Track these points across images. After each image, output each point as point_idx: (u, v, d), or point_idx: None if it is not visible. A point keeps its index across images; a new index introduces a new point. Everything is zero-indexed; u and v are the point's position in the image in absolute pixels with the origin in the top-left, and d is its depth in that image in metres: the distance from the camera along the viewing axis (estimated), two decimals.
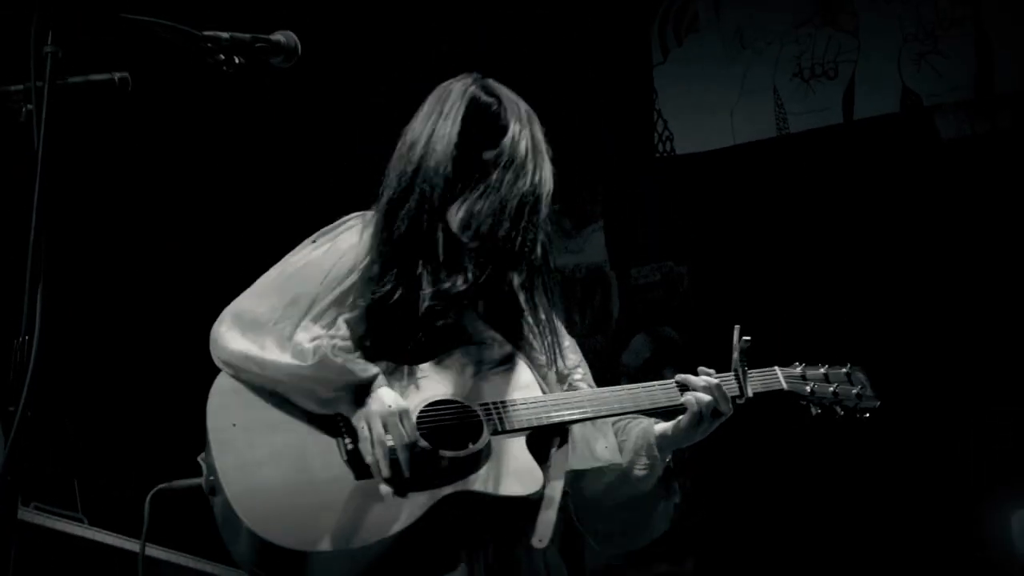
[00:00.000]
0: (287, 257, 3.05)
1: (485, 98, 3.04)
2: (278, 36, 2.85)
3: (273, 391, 2.87)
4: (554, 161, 3.09)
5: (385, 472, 2.79)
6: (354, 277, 2.98)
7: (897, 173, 5.50)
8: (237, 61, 2.77)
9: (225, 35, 2.77)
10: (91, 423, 5.49)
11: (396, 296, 2.94)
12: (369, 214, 3.06)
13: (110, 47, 2.87)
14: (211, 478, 2.80)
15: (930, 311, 5.33)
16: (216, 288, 3.11)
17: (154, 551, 3.79)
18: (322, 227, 3.10)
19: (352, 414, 2.85)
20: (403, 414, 2.82)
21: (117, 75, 2.65)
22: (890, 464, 5.23)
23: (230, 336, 2.92)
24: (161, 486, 2.91)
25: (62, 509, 3.72)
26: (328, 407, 2.86)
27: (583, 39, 6.13)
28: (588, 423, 3.09)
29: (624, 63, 6.13)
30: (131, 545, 3.74)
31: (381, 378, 2.87)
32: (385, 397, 2.83)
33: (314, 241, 3.05)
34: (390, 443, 2.79)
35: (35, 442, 2.38)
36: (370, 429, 2.81)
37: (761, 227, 5.72)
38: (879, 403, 3.25)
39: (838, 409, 3.22)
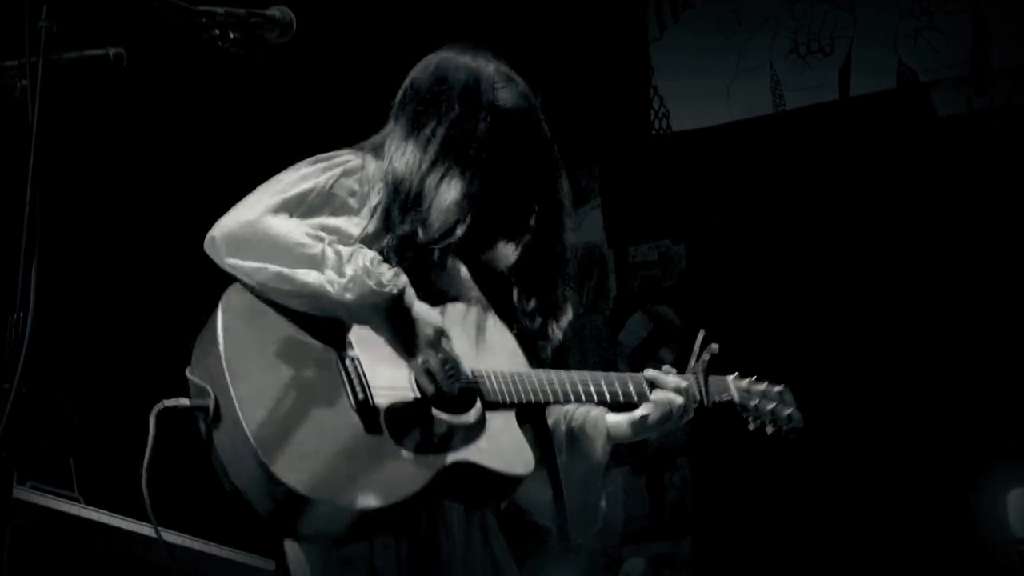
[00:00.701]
0: (285, 180, 2.96)
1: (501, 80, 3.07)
2: (273, 11, 2.84)
3: (294, 293, 2.80)
4: (552, 139, 3.13)
5: (449, 388, 2.79)
6: (372, 204, 2.95)
7: (894, 150, 5.49)
8: (232, 36, 2.76)
9: (220, 10, 2.76)
10: (87, 401, 5.48)
11: (414, 236, 2.92)
12: (360, 152, 3.04)
13: (106, 23, 2.86)
14: (217, 404, 2.72)
15: (929, 301, 5.33)
16: (211, 265, 3.08)
17: (169, 536, 3.75)
18: None
19: (384, 324, 2.80)
20: (443, 332, 2.82)
21: (112, 51, 2.64)
22: (890, 463, 5.22)
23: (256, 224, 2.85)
24: (166, 403, 2.84)
25: (58, 488, 3.70)
26: (361, 311, 2.79)
27: (579, 16, 6.11)
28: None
29: (620, 40, 6.12)
30: (128, 524, 3.73)
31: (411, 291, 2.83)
32: (428, 313, 2.82)
33: (320, 173, 2.96)
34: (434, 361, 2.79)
35: (30, 420, 2.37)
36: (426, 344, 2.79)
37: (758, 205, 5.71)
38: (803, 426, 3.31)
39: (769, 427, 3.29)
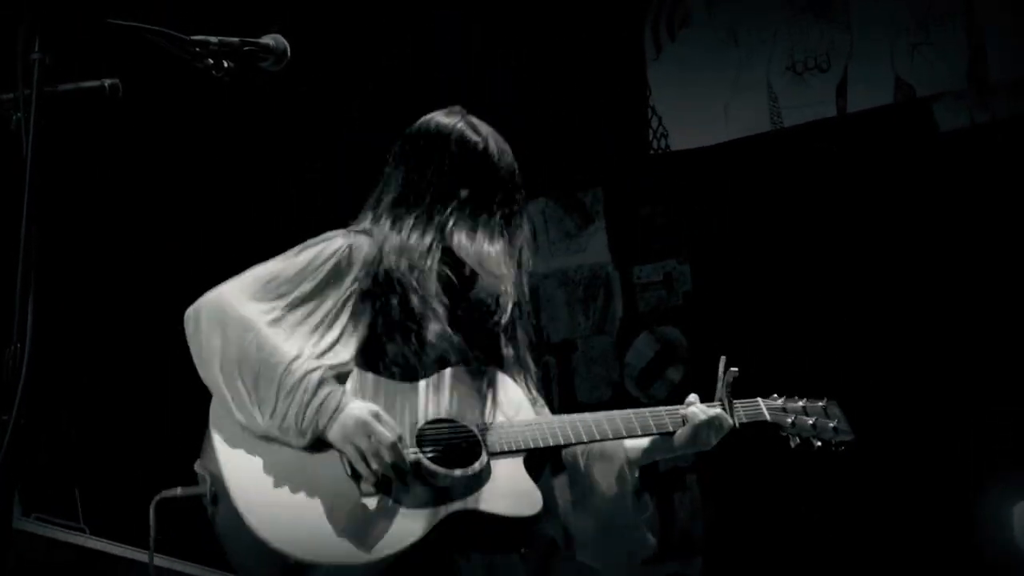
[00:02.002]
0: (268, 263, 3.03)
1: (473, 137, 3.15)
2: (267, 40, 2.86)
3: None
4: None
5: (384, 474, 2.82)
6: (353, 287, 3.00)
7: (895, 165, 5.48)
8: (226, 65, 2.77)
9: (214, 39, 2.77)
10: (93, 432, 5.48)
11: (396, 313, 2.98)
12: (350, 232, 3.10)
13: (101, 54, 2.87)
14: (213, 488, 2.82)
15: (929, 309, 5.32)
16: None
17: (160, 560, 3.77)
18: (309, 233, 3.11)
19: (330, 437, 2.85)
20: (375, 416, 2.84)
21: (107, 82, 2.65)
22: (891, 464, 5.22)
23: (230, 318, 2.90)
24: (164, 493, 2.90)
25: (64, 519, 3.70)
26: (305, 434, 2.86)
27: (577, 37, 6.12)
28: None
29: (618, 60, 6.13)
30: (133, 554, 3.73)
31: (345, 397, 2.87)
32: (353, 411, 2.85)
33: (298, 254, 3.03)
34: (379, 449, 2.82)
35: (30, 451, 2.37)
36: (356, 447, 2.82)
37: (760, 223, 5.71)
38: (853, 437, 3.33)
39: (815, 441, 3.31)
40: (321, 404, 2.82)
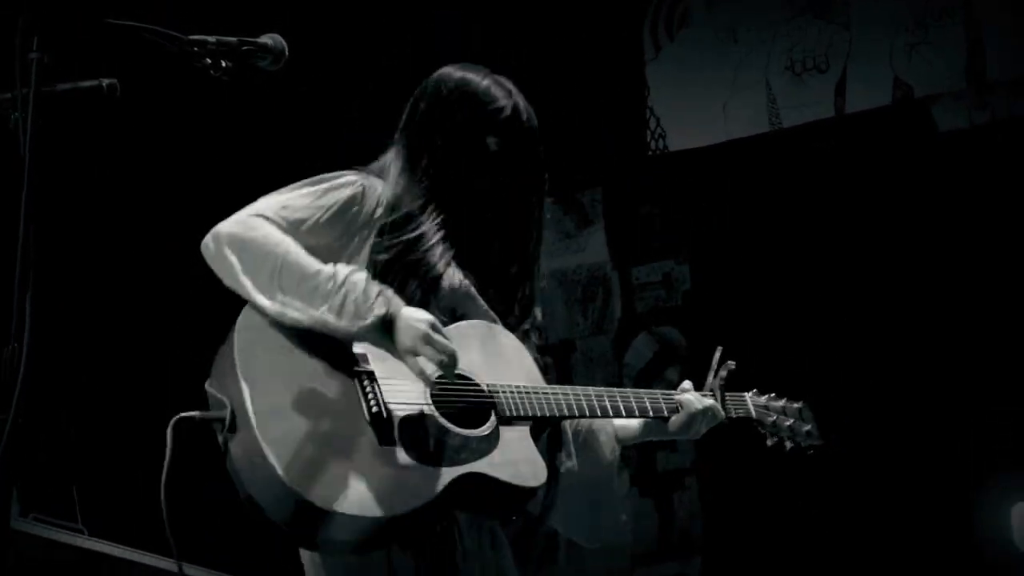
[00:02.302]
0: (279, 193, 3.03)
1: (497, 92, 3.09)
2: (265, 39, 2.86)
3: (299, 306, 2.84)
4: (553, 161, 3.15)
5: (431, 370, 2.80)
6: (363, 228, 3.00)
7: (893, 165, 5.49)
8: (224, 65, 2.78)
9: (212, 39, 2.78)
10: (92, 431, 5.49)
11: (408, 258, 2.96)
12: (364, 172, 3.09)
13: (100, 53, 2.88)
14: (233, 415, 2.76)
15: (928, 309, 5.32)
16: (212, 292, 3.08)
17: (190, 570, 3.73)
18: None
19: (381, 339, 2.83)
20: (434, 326, 2.82)
21: (105, 81, 2.65)
22: (889, 464, 5.22)
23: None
24: (183, 415, 2.85)
25: (62, 519, 3.69)
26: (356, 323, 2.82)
27: (576, 37, 6.12)
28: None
29: (617, 60, 6.13)
30: (133, 556, 3.72)
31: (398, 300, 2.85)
32: (415, 312, 2.83)
33: (310, 186, 3.02)
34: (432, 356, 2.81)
35: (29, 451, 2.37)
36: (427, 343, 2.79)
37: (758, 224, 5.71)
38: (823, 443, 3.40)
39: (788, 443, 3.36)
40: (377, 295, 2.80)
